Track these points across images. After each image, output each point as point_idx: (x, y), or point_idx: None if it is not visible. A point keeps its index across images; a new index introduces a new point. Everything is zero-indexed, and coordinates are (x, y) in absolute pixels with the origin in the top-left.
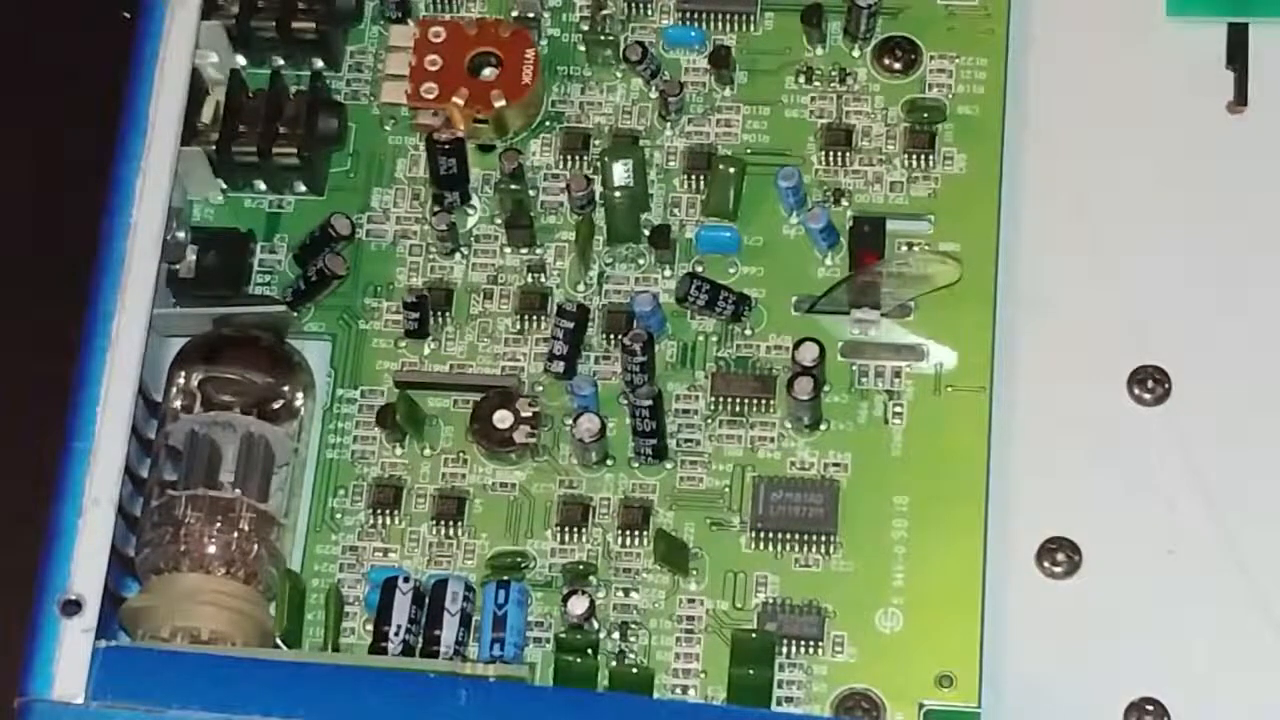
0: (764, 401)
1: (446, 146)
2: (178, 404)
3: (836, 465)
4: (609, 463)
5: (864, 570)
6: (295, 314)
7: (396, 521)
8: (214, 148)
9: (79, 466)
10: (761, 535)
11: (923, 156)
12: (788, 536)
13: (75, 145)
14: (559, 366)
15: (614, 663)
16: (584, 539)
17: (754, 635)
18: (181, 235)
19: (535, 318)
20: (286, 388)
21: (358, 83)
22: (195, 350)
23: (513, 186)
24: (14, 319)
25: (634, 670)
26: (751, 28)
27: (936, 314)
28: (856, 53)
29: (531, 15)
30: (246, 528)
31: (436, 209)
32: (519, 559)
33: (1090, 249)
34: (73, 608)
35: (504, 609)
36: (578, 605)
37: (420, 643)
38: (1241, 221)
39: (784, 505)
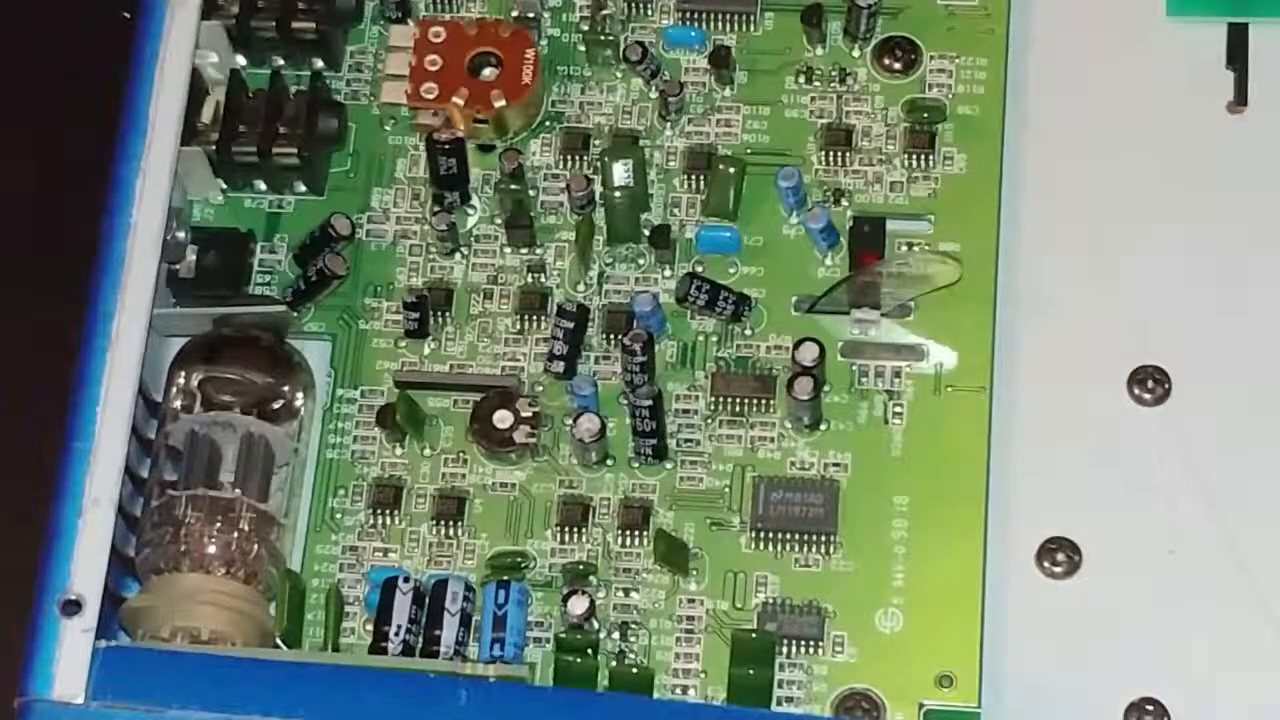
0: (764, 401)
1: (446, 146)
2: (178, 404)
3: (836, 465)
4: (609, 463)
5: (864, 570)
6: (295, 314)
7: (396, 521)
8: (214, 148)
9: (79, 466)
10: (761, 535)
11: (923, 156)
12: (788, 536)
13: (75, 145)
14: (559, 366)
15: (614, 663)
16: (584, 539)
17: (754, 635)
18: (181, 235)
19: (535, 318)
20: (286, 388)
21: (358, 83)
22: (195, 350)
23: (513, 186)
24: (14, 319)
25: (634, 670)
26: (751, 28)
27: (936, 314)
28: (856, 53)
29: (531, 15)
30: (246, 528)
31: (436, 209)
32: (519, 559)
33: (1090, 249)
34: (73, 608)
35: (504, 609)
36: (578, 605)
37: (420, 643)
38: (1241, 221)
39: (784, 505)
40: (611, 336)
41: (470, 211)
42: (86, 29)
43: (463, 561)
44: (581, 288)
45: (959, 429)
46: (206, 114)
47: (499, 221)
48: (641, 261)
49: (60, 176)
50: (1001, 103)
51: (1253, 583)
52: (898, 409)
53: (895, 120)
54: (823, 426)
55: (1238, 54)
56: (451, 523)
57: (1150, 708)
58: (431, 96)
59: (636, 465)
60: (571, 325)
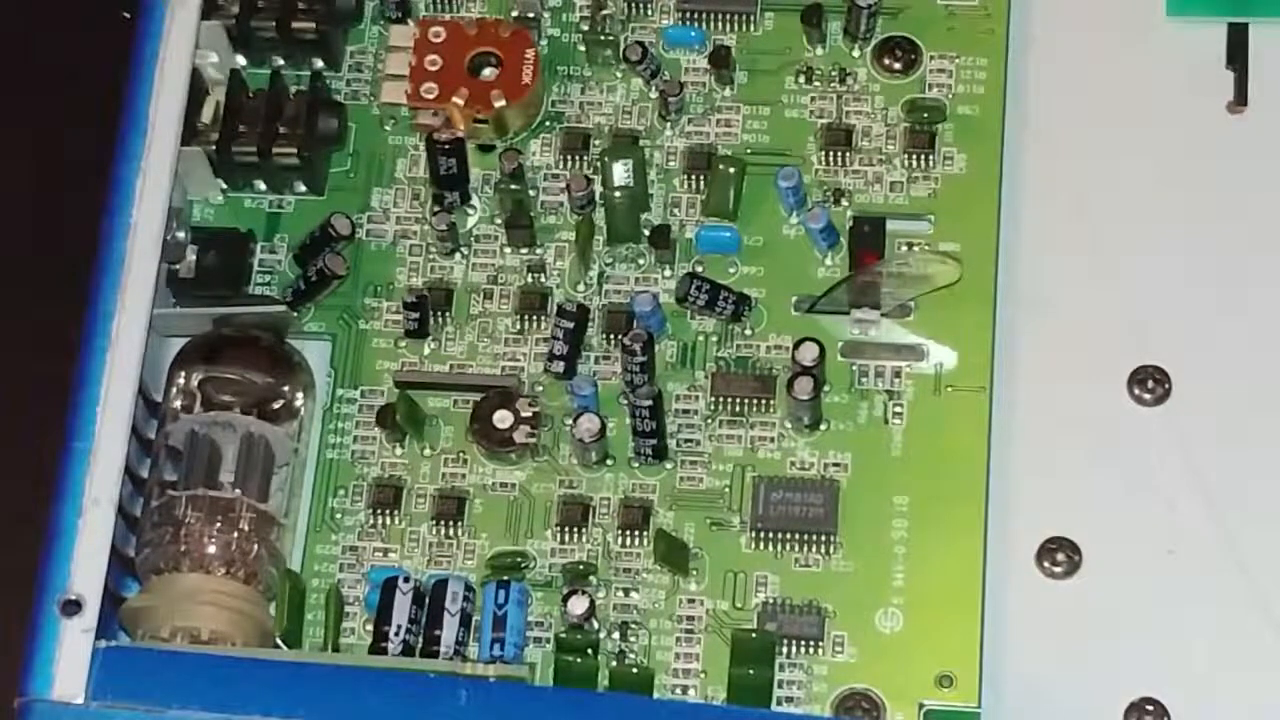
0: (764, 401)
1: (446, 146)
2: (178, 404)
3: (836, 465)
4: (609, 463)
5: (864, 570)
6: (295, 314)
7: (396, 521)
8: (214, 148)
9: (79, 466)
10: (761, 535)
11: (923, 156)
12: (788, 536)
13: (75, 145)
14: (559, 366)
15: (614, 663)
16: (584, 539)
17: (754, 635)
18: (181, 235)
19: (535, 318)
20: (286, 388)
21: (358, 83)
22: (195, 350)
23: (513, 186)
24: (14, 319)
25: (634, 670)
26: (751, 28)
27: (936, 314)
28: (856, 53)
29: (531, 15)
30: (246, 528)
31: (436, 209)
32: (519, 559)
33: (1090, 249)
34: (73, 608)
35: (504, 609)
36: (578, 605)
37: (420, 643)
38: (1241, 221)
39: (784, 505)
40: (611, 336)
41: (470, 211)
42: (86, 29)
43: (463, 561)
44: (581, 288)
45: (959, 429)
46: (206, 114)
47: (499, 221)
48: (641, 261)
49: (60, 176)
50: (1001, 103)
51: (1253, 583)
52: (898, 409)
53: (895, 120)
54: (823, 426)
55: (1238, 54)
56: (451, 523)
57: (1150, 708)
58: (431, 96)
59: (636, 465)
60: (571, 325)
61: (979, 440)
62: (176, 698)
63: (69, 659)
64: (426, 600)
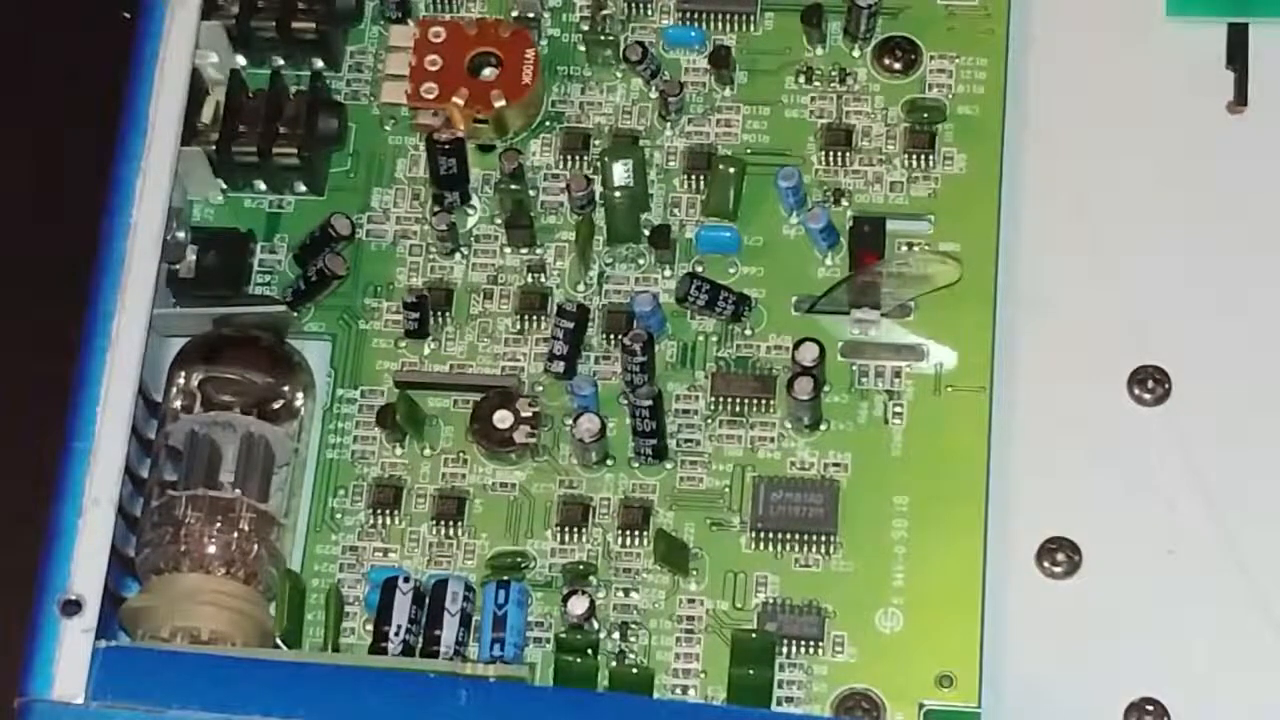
0: (764, 401)
1: (446, 146)
2: (178, 404)
3: (836, 465)
4: (609, 463)
5: (864, 570)
6: (295, 314)
7: (396, 521)
8: (214, 148)
9: (79, 466)
10: (761, 535)
11: (923, 156)
12: (788, 536)
13: (75, 145)
14: (559, 366)
15: (614, 663)
16: (584, 539)
17: (754, 635)
18: (181, 235)
19: (535, 318)
20: (286, 388)
21: (358, 83)
22: (195, 350)
23: (513, 186)
24: (14, 319)
25: (634, 670)
26: (751, 28)
27: (936, 314)
28: (856, 53)
29: (531, 15)
30: (246, 528)
31: (436, 209)
32: (519, 559)
33: (1090, 249)
34: (73, 608)
35: (504, 609)
36: (578, 605)
37: (420, 643)
38: (1241, 221)
39: (784, 505)
40: (611, 336)
41: (470, 211)
42: (86, 29)
43: (463, 561)
44: (581, 288)
45: (959, 429)
46: (206, 114)
47: (499, 221)
48: (641, 261)
49: (60, 176)
50: (1001, 103)
51: (1253, 583)
52: (898, 409)
53: (895, 120)
54: (823, 426)
55: (1238, 54)
56: (451, 523)
57: (1150, 708)
58: (431, 96)
59: (636, 465)
60: (571, 325)
61: (979, 440)
62: (176, 698)
63: (69, 659)
64: (426, 600)
